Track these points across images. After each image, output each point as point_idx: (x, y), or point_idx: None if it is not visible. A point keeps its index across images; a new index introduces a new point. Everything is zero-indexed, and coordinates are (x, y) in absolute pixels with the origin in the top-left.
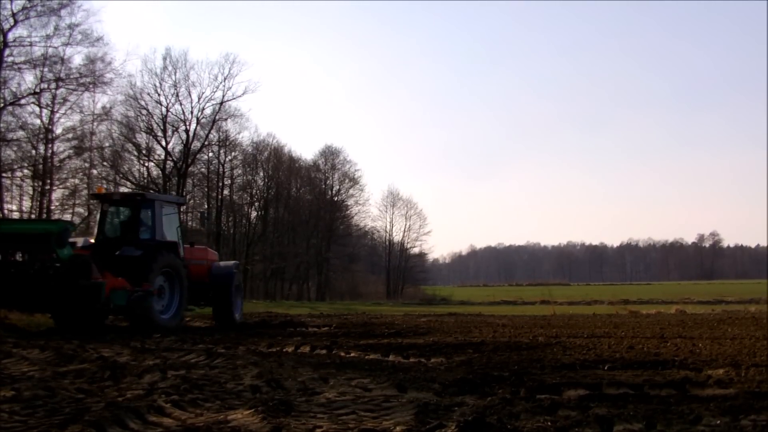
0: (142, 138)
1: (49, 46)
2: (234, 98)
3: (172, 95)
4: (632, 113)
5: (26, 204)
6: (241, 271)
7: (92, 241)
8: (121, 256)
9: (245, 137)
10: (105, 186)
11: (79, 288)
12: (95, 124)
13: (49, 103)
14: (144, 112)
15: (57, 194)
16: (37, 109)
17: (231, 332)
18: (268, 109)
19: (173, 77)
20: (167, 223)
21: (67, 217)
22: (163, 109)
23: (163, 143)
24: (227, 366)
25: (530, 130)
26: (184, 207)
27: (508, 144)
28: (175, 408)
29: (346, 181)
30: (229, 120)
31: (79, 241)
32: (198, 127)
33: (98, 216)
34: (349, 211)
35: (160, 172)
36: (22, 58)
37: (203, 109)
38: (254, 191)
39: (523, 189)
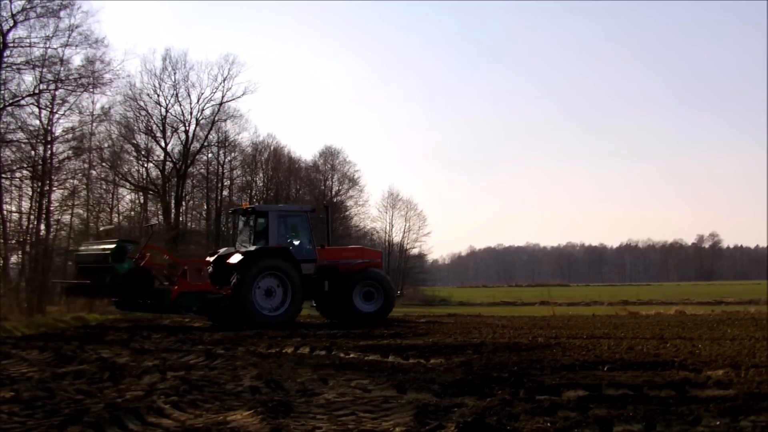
0: (141, 139)
1: (49, 48)
2: (233, 99)
3: (172, 96)
4: (632, 113)
5: (25, 205)
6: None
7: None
8: (225, 263)
9: (245, 138)
10: (245, 201)
11: (145, 294)
12: (94, 125)
13: (48, 104)
14: (143, 112)
15: (56, 195)
16: (36, 110)
17: (230, 332)
18: (268, 109)
19: (172, 78)
20: (291, 229)
21: (66, 218)
22: (163, 110)
23: (162, 144)
24: (226, 367)
25: (530, 130)
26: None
27: (507, 144)
28: (174, 409)
29: (346, 181)
30: (228, 121)
31: (222, 250)
32: (197, 128)
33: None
34: (348, 212)
35: (159, 173)
36: (22, 59)
37: (203, 109)
38: (254, 192)
39: (522, 189)
